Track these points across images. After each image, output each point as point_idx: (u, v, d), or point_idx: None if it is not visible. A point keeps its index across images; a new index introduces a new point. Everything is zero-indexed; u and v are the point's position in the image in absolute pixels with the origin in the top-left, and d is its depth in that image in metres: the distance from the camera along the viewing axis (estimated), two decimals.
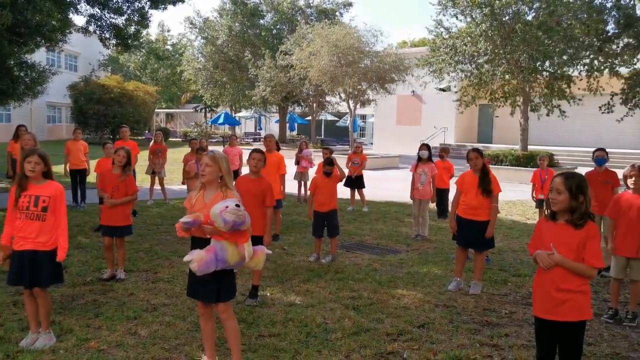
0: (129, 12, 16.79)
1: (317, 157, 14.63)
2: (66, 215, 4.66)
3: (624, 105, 20.17)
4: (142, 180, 13.86)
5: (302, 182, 13.75)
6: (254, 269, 4.25)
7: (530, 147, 22.45)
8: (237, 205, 3.74)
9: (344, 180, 9.96)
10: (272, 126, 50.66)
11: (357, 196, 12.86)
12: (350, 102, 28.05)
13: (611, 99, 20.28)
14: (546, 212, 3.70)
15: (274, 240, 8.51)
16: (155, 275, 6.86)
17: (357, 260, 7.88)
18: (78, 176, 11.68)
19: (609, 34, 20.17)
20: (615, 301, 5.66)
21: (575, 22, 19.10)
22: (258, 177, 5.99)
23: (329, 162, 7.97)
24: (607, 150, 7.97)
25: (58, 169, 5.51)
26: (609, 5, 19.83)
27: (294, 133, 47.45)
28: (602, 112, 20.84)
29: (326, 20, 32.73)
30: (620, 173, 7.59)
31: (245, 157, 7.49)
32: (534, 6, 19.96)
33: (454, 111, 27.64)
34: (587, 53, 20.07)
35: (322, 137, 44.13)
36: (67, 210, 4.72)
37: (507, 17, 20.21)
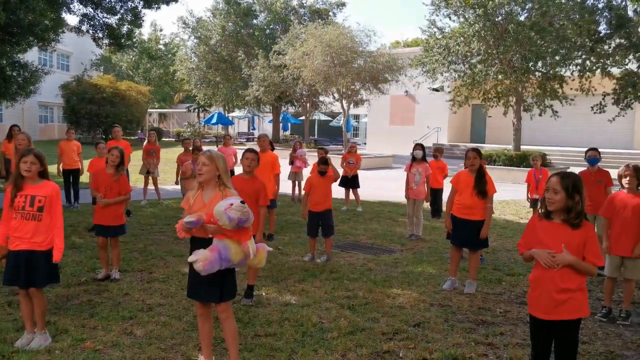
0: (122, 11, 16.77)
1: (311, 157, 14.65)
2: (62, 215, 4.65)
3: (616, 105, 20.28)
4: (136, 180, 13.83)
5: (296, 182, 13.76)
6: (256, 266, 4.22)
7: (522, 147, 22.55)
8: (242, 202, 3.73)
9: (338, 180, 9.97)
10: (265, 126, 50.59)
11: (351, 196, 12.88)
12: (344, 102, 28.07)
13: (603, 99, 20.40)
14: (540, 211, 3.71)
15: (269, 240, 8.52)
16: (150, 275, 6.85)
17: (351, 260, 7.90)
18: (71, 176, 11.65)
19: (601, 35, 20.28)
20: (609, 300, 5.70)
21: (567, 22, 19.21)
22: (252, 177, 5.99)
23: (324, 162, 7.98)
24: (599, 150, 8.02)
25: (51, 169, 5.48)
26: (600, 6, 19.96)
27: (287, 133, 47.42)
28: (594, 112, 20.96)
29: (319, 20, 32.74)
30: (612, 173, 7.68)
31: (239, 157, 7.49)
32: (527, 7, 20.06)
33: (447, 111, 27.71)
34: (579, 53, 20.19)
35: (316, 137, 44.11)
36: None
37: (500, 18, 20.31)
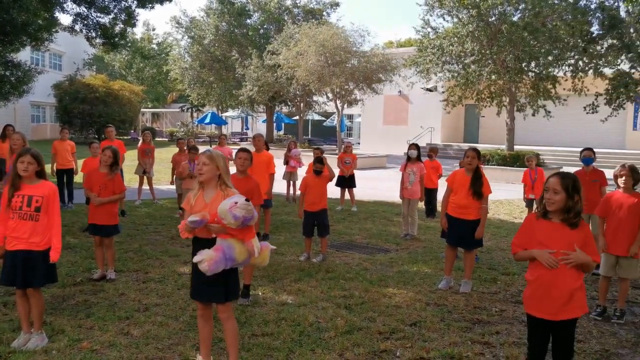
0: (115, 10, 16.73)
1: (305, 157, 14.67)
2: (60, 215, 4.63)
3: (608, 105, 20.38)
4: (130, 180, 13.78)
5: (291, 182, 13.76)
6: (260, 264, 4.20)
7: (515, 147, 22.64)
8: (247, 200, 3.72)
9: (334, 179, 9.98)
10: (258, 126, 50.54)
11: (346, 196, 12.90)
12: (338, 102, 28.09)
13: (595, 99, 20.51)
14: (537, 211, 3.72)
15: (263, 240, 8.50)
16: (146, 275, 6.83)
17: (347, 260, 7.91)
18: (65, 176, 11.60)
19: (594, 35, 20.38)
20: (603, 299, 5.75)
21: (560, 23, 19.32)
22: (245, 176, 5.99)
23: (320, 161, 7.98)
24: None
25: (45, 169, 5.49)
26: (593, 6, 20.05)
27: (281, 133, 47.40)
28: (587, 113, 21.05)
29: (313, 20, 32.73)
30: (604, 172, 7.72)
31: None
32: (520, 7, 20.14)
33: (441, 111, 27.81)
34: (572, 54, 20.30)
35: (309, 137, 44.10)
36: None
37: (493, 18, 20.39)
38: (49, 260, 4.51)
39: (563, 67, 20.62)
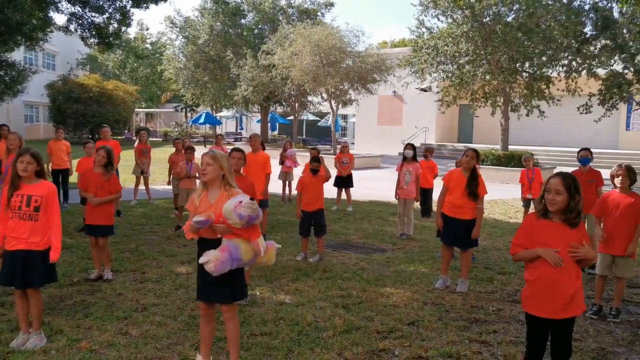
0: (110, 10, 16.68)
1: (300, 157, 14.69)
2: (59, 215, 4.63)
3: (602, 106, 20.47)
4: (125, 180, 13.76)
5: (287, 182, 13.77)
6: (266, 264, 4.17)
7: (510, 147, 22.73)
8: (251, 199, 3.72)
9: (331, 179, 9.99)
10: (253, 126, 50.54)
11: (342, 196, 12.92)
12: (332, 102, 28.12)
13: (589, 99, 20.60)
14: (536, 210, 3.74)
15: None
16: (143, 276, 6.83)
17: (344, 260, 7.93)
18: (60, 176, 11.56)
19: (587, 36, 20.46)
20: (599, 298, 5.79)
21: (554, 23, 19.41)
22: (239, 176, 5.99)
23: (316, 160, 7.99)
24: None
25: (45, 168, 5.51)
26: (586, 7, 20.15)
27: (276, 133, 47.38)
28: (581, 113, 21.13)
29: (308, 20, 32.73)
30: (601, 173, 7.77)
31: None
32: (514, 8, 20.23)
33: (435, 111, 27.91)
34: (566, 54, 20.40)
35: (304, 137, 44.12)
36: None
37: (487, 19, 20.47)
38: (48, 260, 4.51)
39: (557, 68, 20.71)
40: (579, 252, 3.55)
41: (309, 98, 34.21)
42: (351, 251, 8.49)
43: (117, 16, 16.81)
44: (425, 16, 21.76)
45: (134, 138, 42.11)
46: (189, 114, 52.05)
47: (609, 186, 5.99)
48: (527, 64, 20.83)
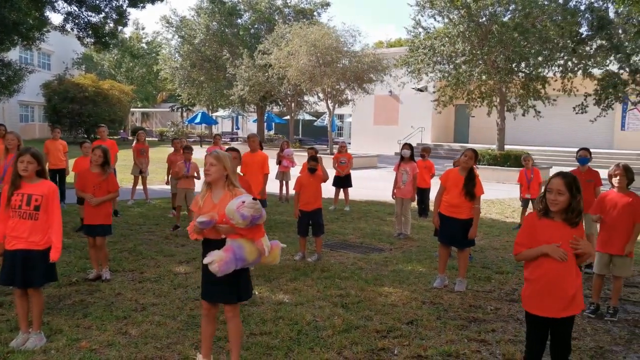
0: (106, 10, 16.66)
1: (297, 157, 14.69)
2: (60, 214, 4.63)
3: (597, 106, 20.58)
4: (121, 180, 13.73)
5: (284, 182, 13.78)
6: (271, 263, 4.19)
7: (505, 147, 22.79)
8: (254, 199, 3.72)
9: (329, 180, 10.00)
10: (249, 125, 50.48)
11: (340, 195, 12.93)
12: (329, 101, 28.13)
13: (585, 99, 20.69)
14: (538, 210, 3.76)
15: None
16: (142, 275, 6.83)
17: (342, 259, 7.94)
18: (57, 176, 11.54)
19: (583, 36, 20.57)
20: (597, 297, 5.82)
21: (550, 24, 19.48)
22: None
23: (314, 159, 8.00)
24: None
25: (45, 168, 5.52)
26: (582, 7, 20.24)
27: (272, 132, 47.36)
28: (576, 113, 21.23)
29: (304, 20, 32.74)
30: (600, 173, 7.80)
31: None
32: (510, 8, 20.29)
33: (431, 111, 27.92)
34: (562, 54, 20.49)
35: (300, 136, 44.12)
36: None
37: (484, 19, 20.52)
38: (48, 259, 4.51)
39: (553, 68, 20.80)
40: (580, 245, 3.58)
41: (306, 98, 34.20)
42: (349, 251, 8.51)
43: (114, 15, 16.80)
44: (422, 16, 21.83)
45: (130, 138, 42.09)
46: (184, 114, 52.00)
47: (607, 186, 6.02)
48: (523, 64, 20.92)
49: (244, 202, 3.69)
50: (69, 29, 16.96)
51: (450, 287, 6.57)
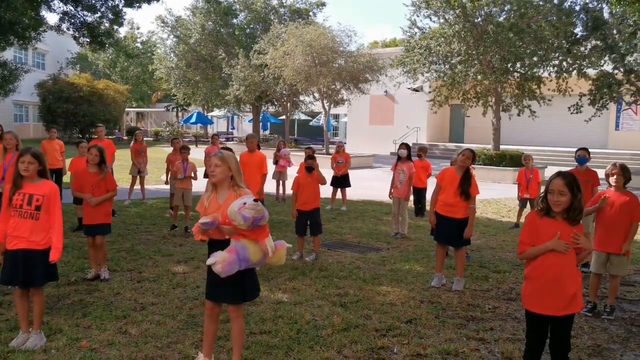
0: (102, 9, 16.63)
1: (293, 157, 14.70)
2: (61, 214, 4.64)
3: (592, 106, 20.68)
4: (118, 179, 13.67)
5: (281, 182, 13.79)
6: (276, 264, 4.18)
7: (501, 147, 22.85)
8: (256, 200, 3.72)
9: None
10: (244, 125, 50.48)
11: (337, 195, 12.95)
12: (325, 101, 28.16)
13: (580, 99, 20.79)
14: (539, 209, 3.79)
15: None
16: (140, 275, 6.83)
17: (340, 259, 7.97)
18: (54, 176, 11.51)
19: (577, 36, 20.67)
20: (594, 295, 5.87)
21: (545, 24, 19.56)
22: None
23: (311, 157, 8.00)
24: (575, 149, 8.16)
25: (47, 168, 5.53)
26: (577, 8, 20.34)
27: (267, 132, 47.35)
28: (571, 113, 21.32)
29: (300, 20, 32.74)
30: (598, 173, 7.85)
31: None
32: (505, 8, 20.37)
33: (426, 111, 28.02)
34: (557, 54, 20.57)
35: (296, 136, 44.14)
36: None
37: (479, 19, 20.59)
38: (49, 259, 4.51)
39: (548, 68, 20.89)
40: (580, 240, 3.64)
41: (301, 98, 34.23)
42: (347, 250, 8.53)
43: (110, 15, 16.77)
44: (418, 16, 21.88)
45: (125, 138, 41.95)
46: (180, 114, 51.92)
47: (604, 185, 6.06)
48: (518, 64, 20.98)
49: (245, 203, 3.69)
50: (65, 29, 16.93)
51: (448, 286, 6.60)
